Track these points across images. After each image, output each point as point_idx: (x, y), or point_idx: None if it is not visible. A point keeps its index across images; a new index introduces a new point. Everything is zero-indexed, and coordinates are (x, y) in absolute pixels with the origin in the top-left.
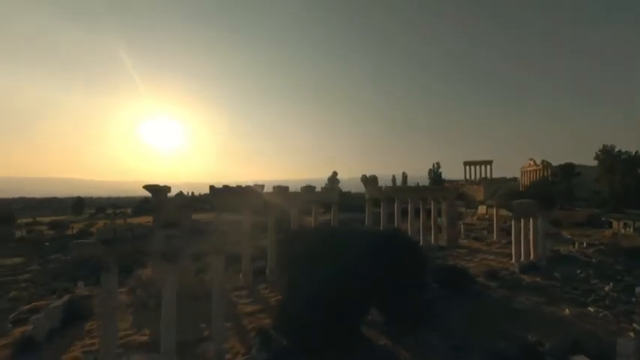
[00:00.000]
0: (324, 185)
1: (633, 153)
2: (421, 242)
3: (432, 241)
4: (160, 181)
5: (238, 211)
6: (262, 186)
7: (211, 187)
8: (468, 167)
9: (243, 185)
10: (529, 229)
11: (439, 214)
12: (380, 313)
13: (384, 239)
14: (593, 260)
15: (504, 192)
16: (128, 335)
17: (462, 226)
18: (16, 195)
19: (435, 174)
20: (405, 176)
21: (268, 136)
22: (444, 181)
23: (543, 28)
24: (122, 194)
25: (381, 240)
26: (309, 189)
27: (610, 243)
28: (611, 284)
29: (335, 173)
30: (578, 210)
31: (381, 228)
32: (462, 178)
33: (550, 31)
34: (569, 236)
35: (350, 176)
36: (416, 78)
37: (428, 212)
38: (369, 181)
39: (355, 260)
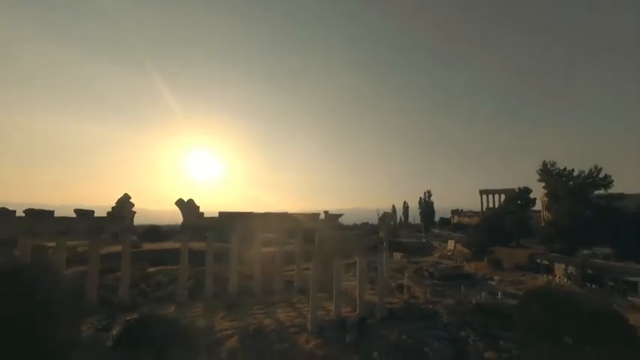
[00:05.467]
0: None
1: (587, 172)
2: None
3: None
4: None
5: None
6: None
7: None
8: (485, 196)
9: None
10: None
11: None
12: None
13: None
14: (445, 320)
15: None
16: None
17: None
18: None
19: (425, 203)
20: (406, 207)
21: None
22: (458, 214)
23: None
24: (164, 222)
25: None
26: (85, 214)
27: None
28: None
29: (126, 195)
30: (522, 248)
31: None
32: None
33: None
34: (493, 283)
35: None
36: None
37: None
38: (187, 205)
39: None
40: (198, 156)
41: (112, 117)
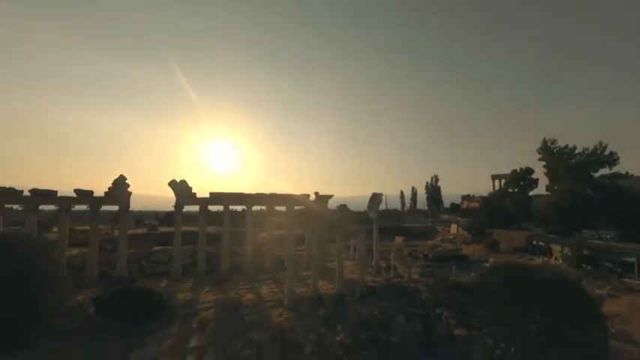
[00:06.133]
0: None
1: (591, 148)
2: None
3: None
4: None
5: None
6: None
7: None
8: (497, 181)
9: None
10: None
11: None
12: None
13: None
14: (423, 298)
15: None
16: None
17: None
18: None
19: (432, 188)
20: (414, 192)
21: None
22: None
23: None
24: (184, 209)
25: None
26: (85, 194)
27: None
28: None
29: (122, 177)
30: (521, 230)
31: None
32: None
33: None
34: (487, 265)
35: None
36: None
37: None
38: (179, 186)
39: None
40: (217, 146)
41: (136, 112)
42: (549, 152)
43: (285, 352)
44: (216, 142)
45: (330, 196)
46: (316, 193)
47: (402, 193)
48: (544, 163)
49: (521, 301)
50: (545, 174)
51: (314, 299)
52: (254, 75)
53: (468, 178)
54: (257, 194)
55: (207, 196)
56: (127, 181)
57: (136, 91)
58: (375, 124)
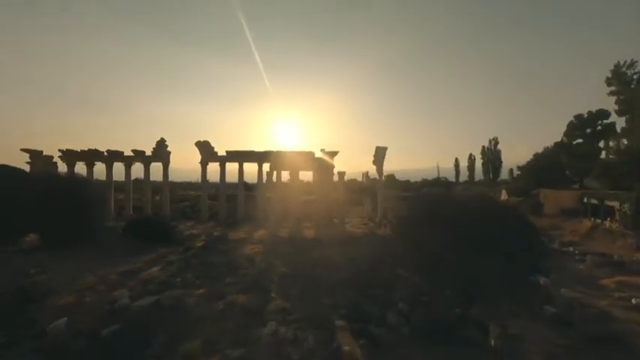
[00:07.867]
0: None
1: None
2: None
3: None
4: None
5: None
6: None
7: None
8: None
9: None
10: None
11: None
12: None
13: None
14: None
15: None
16: None
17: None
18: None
19: (490, 153)
20: (471, 159)
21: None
22: None
23: None
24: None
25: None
26: (139, 153)
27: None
28: None
29: (162, 139)
30: (575, 190)
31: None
32: None
33: None
34: None
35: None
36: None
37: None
38: (203, 145)
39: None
40: (284, 125)
41: (219, 100)
42: (623, 81)
43: (227, 271)
44: (283, 123)
45: (336, 153)
46: (322, 150)
47: (456, 160)
48: (615, 98)
49: (440, 234)
50: (616, 112)
51: (292, 241)
52: (313, 56)
53: (546, 141)
54: (266, 151)
55: (231, 157)
56: (165, 143)
57: (219, 83)
58: (438, 92)
